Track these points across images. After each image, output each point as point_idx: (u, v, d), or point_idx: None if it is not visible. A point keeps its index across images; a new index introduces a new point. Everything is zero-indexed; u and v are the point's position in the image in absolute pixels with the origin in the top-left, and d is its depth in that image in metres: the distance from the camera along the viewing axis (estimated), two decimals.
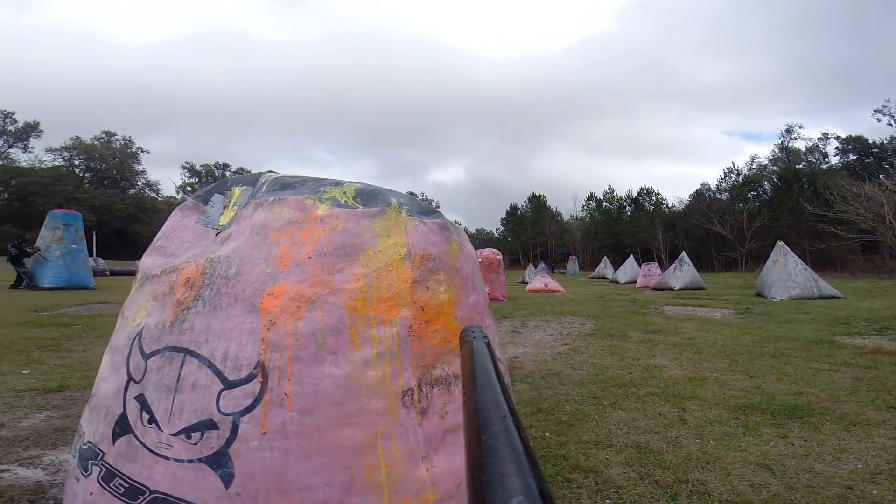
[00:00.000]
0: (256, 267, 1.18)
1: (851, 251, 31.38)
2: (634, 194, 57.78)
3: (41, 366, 3.98)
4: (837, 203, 26.70)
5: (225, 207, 1.43)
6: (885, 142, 38.94)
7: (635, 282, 19.99)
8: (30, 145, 51.18)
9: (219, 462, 1.03)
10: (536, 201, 64.69)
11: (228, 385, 1.07)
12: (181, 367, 1.12)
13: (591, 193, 62.65)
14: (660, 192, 57.41)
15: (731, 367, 4.32)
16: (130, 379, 1.18)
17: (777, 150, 47.15)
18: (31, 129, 50.54)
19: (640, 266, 21.16)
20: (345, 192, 1.30)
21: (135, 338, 1.23)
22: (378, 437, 1.10)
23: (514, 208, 67.93)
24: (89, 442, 1.21)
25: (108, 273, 20.72)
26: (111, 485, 1.12)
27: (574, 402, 3.35)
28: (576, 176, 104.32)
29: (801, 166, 42.87)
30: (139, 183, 60.84)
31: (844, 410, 3.02)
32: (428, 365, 1.18)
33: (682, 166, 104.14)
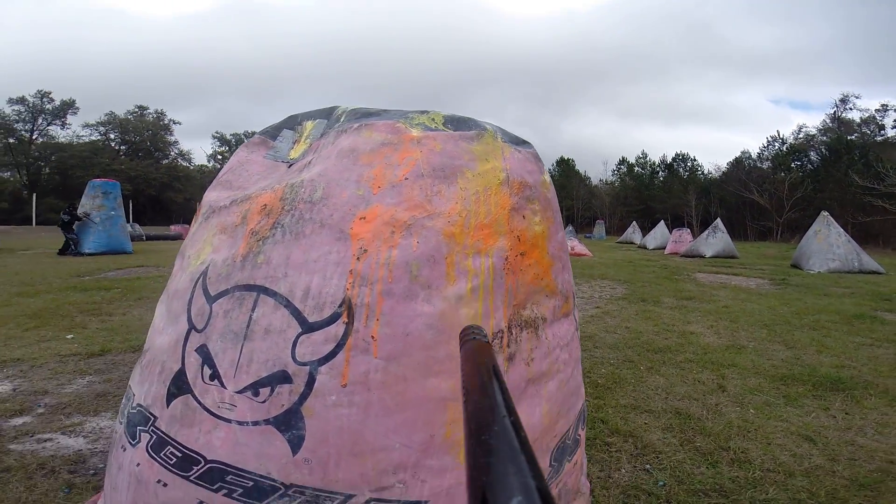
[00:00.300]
0: (346, 190, 1.06)
1: None
2: (669, 160, 55.83)
3: (84, 330, 4.13)
4: (890, 176, 25.49)
5: (295, 142, 1.33)
6: None
7: (664, 248, 19.61)
8: (67, 122, 53.43)
9: (289, 423, 0.90)
10: (564, 165, 63.12)
11: (308, 328, 0.93)
12: (253, 310, 0.97)
13: (623, 158, 60.67)
14: (696, 158, 55.37)
15: (770, 336, 4.27)
16: (192, 328, 1.03)
17: (829, 121, 43.90)
18: (68, 107, 52.83)
19: (670, 232, 20.72)
20: (433, 119, 1.20)
21: (198, 279, 1.08)
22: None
23: None
24: (139, 405, 1.06)
25: (144, 238, 21.56)
26: (161, 454, 0.97)
27: (610, 366, 3.38)
28: (606, 140, 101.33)
29: (853, 137, 40.33)
30: (172, 153, 62.87)
31: (887, 385, 2.99)
32: (519, 304, 1.08)
33: (721, 133, 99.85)
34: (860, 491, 1.83)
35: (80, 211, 12.54)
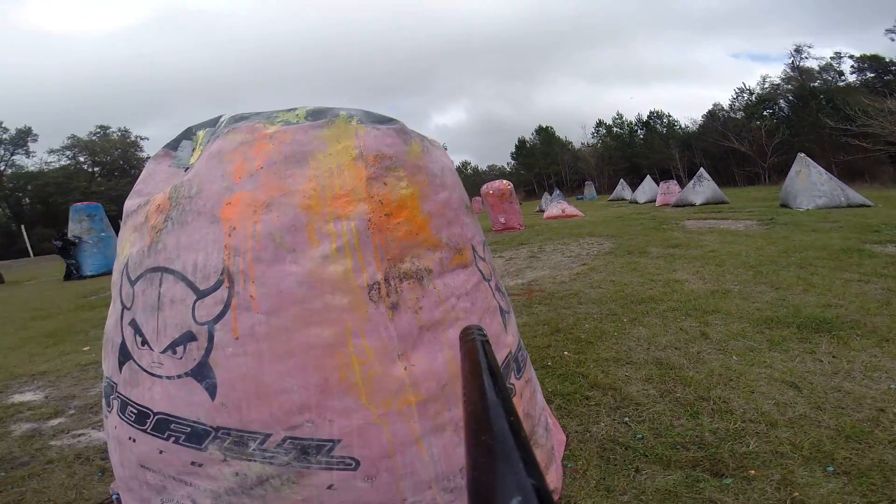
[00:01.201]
0: (214, 184, 1.22)
1: (880, 162, 29.97)
2: (644, 118, 55.66)
3: (98, 342, 4.24)
4: (860, 117, 25.46)
5: (193, 150, 1.48)
6: None
7: (654, 201, 19.53)
8: (31, 150, 52.01)
9: (202, 374, 1.08)
10: (544, 133, 62.84)
11: (200, 294, 1.12)
12: (160, 286, 1.17)
13: (600, 120, 60.48)
14: (670, 114, 55.19)
15: (755, 278, 4.19)
16: (123, 307, 1.25)
17: (789, 70, 44.91)
18: (26, 135, 51.27)
19: (657, 185, 20.59)
20: (297, 115, 1.31)
21: (122, 269, 1.30)
22: (347, 335, 1.10)
23: (521, 142, 66.30)
24: (107, 378, 1.30)
25: None
26: (125, 414, 1.20)
27: (593, 321, 3.30)
28: (580, 106, 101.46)
29: (815, 84, 40.89)
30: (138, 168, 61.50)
31: (876, 324, 2.79)
32: (394, 258, 1.19)
33: (690, 88, 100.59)
34: (847, 443, 1.70)
35: (70, 236, 12.64)
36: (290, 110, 1.33)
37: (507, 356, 1.43)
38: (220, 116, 1.47)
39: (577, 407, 2.08)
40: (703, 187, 15.21)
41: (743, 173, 40.53)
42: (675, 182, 18.84)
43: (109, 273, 12.08)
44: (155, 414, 1.13)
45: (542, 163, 59.57)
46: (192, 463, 1.10)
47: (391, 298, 1.15)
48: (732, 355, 2.54)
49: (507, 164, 71.33)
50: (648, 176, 24.28)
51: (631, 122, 57.70)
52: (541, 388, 2.08)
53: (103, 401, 1.32)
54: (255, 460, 1.07)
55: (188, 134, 1.54)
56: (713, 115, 46.42)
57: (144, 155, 59.51)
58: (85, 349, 4.12)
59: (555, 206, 15.21)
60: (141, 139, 59.73)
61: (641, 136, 55.00)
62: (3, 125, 49.31)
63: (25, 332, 5.30)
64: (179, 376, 1.10)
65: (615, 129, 58.58)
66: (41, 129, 53.58)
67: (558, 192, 18.30)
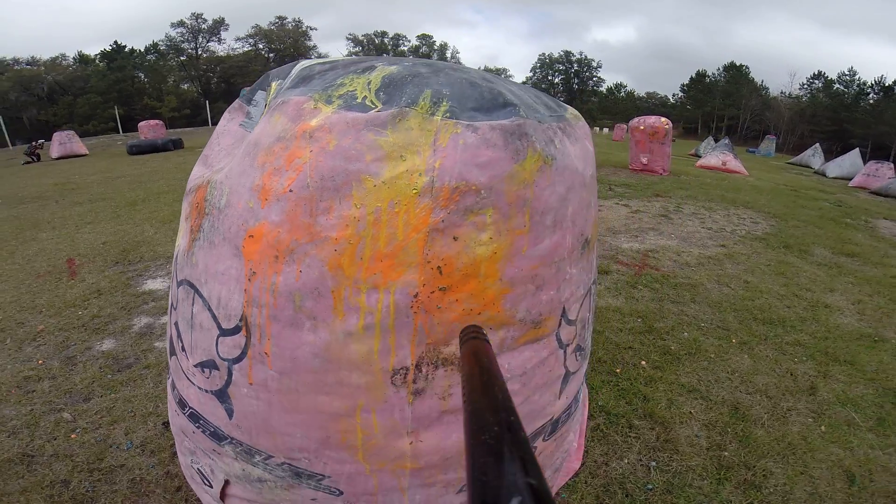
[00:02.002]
0: (242, 198, 0.98)
1: None
2: (889, 81, 43.54)
3: None
4: None
5: (266, 106, 1.17)
6: None
7: (850, 179, 15.98)
8: (222, 38, 63.42)
9: (223, 398, 1.10)
10: (735, 71, 52.69)
11: (222, 332, 1.06)
12: (192, 304, 1.11)
13: (820, 72, 48.72)
14: None
15: None
16: (171, 305, 1.24)
17: None
18: (220, 25, 62.48)
19: (863, 162, 16.66)
20: (369, 83, 0.93)
21: (175, 260, 1.24)
22: (357, 409, 1.00)
23: (701, 75, 56.57)
24: (167, 351, 1.38)
25: None
26: (173, 393, 1.31)
27: (696, 330, 2.89)
28: (797, 50, 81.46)
29: None
30: (312, 57, 67.92)
31: None
32: (437, 342, 0.95)
33: None
34: None
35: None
36: (366, 70, 0.97)
37: (543, 424, 1.22)
38: (296, 63, 1.16)
39: (614, 434, 1.94)
40: None
41: None
42: (890, 166, 15.02)
43: None
44: (189, 407, 1.22)
45: (720, 103, 51.06)
46: (213, 450, 1.21)
47: (417, 385, 0.98)
48: (823, 424, 2.10)
49: (673, 95, 62.51)
50: (857, 149, 19.49)
51: (864, 83, 45.96)
52: (588, 404, 1.89)
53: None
54: (257, 467, 1.15)
55: (264, 83, 1.25)
56: None
57: (311, 44, 67.60)
58: None
59: (715, 155, 12.91)
60: (311, 29, 67.61)
61: (871, 102, 43.97)
62: (203, 16, 60.03)
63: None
64: (206, 391, 1.13)
65: (837, 86, 47.29)
66: (232, 19, 63.53)
67: (727, 139, 15.64)
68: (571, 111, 1.15)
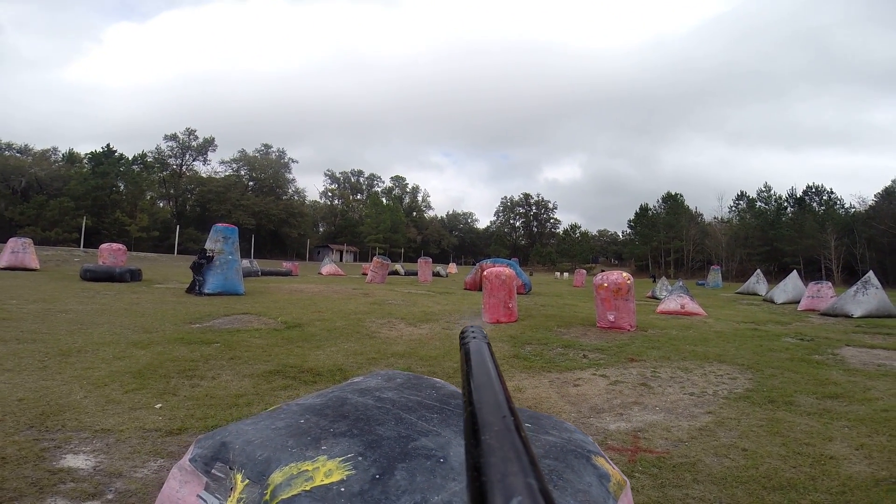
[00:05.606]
0: None
1: None
2: (799, 192, 49.62)
3: (173, 397, 4.26)
4: None
5: (231, 490, 1.03)
6: None
7: (797, 302, 16.95)
8: (208, 158, 65.26)
9: None
10: (672, 201, 58.69)
11: None
12: None
13: (742, 192, 55.37)
14: (832, 190, 48.61)
15: None
16: None
17: None
18: (209, 144, 64.03)
19: (805, 284, 17.90)
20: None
21: None
22: None
23: (644, 209, 62.51)
24: None
25: (259, 273, 23.23)
26: None
27: None
28: (716, 170, 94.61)
29: None
30: (290, 190, 72.31)
31: None
32: None
33: (858, 157, 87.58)
34: None
35: (208, 252, 14.12)
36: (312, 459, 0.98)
37: None
38: (268, 474, 1.02)
39: None
40: (867, 296, 12.83)
41: None
42: (829, 285, 16.22)
43: (224, 294, 13.26)
44: None
45: (664, 236, 55.72)
46: None
47: None
48: None
49: (622, 231, 68.41)
50: (795, 272, 21.15)
51: (780, 197, 52.06)
52: None
53: None
54: None
55: (224, 455, 1.07)
56: (890, 195, 39.55)
57: (291, 176, 71.51)
58: (157, 406, 4.00)
59: (673, 299, 13.72)
60: (292, 161, 71.56)
61: (790, 215, 49.13)
62: (195, 132, 62.14)
63: (118, 362, 5.32)
64: None
65: (759, 204, 53.10)
66: (221, 139, 66.61)
67: (680, 282, 16.68)
68: None
